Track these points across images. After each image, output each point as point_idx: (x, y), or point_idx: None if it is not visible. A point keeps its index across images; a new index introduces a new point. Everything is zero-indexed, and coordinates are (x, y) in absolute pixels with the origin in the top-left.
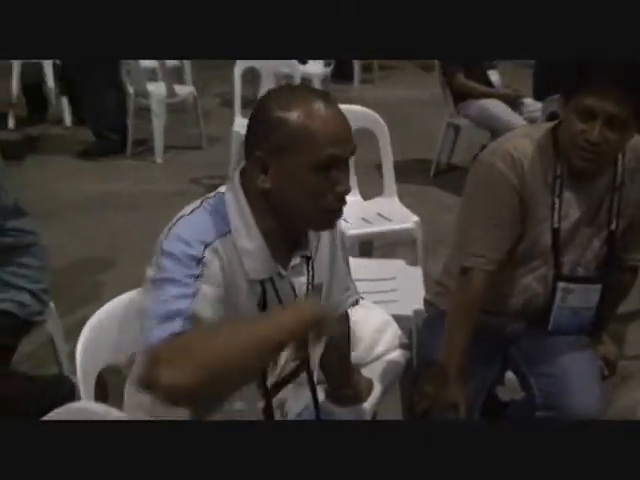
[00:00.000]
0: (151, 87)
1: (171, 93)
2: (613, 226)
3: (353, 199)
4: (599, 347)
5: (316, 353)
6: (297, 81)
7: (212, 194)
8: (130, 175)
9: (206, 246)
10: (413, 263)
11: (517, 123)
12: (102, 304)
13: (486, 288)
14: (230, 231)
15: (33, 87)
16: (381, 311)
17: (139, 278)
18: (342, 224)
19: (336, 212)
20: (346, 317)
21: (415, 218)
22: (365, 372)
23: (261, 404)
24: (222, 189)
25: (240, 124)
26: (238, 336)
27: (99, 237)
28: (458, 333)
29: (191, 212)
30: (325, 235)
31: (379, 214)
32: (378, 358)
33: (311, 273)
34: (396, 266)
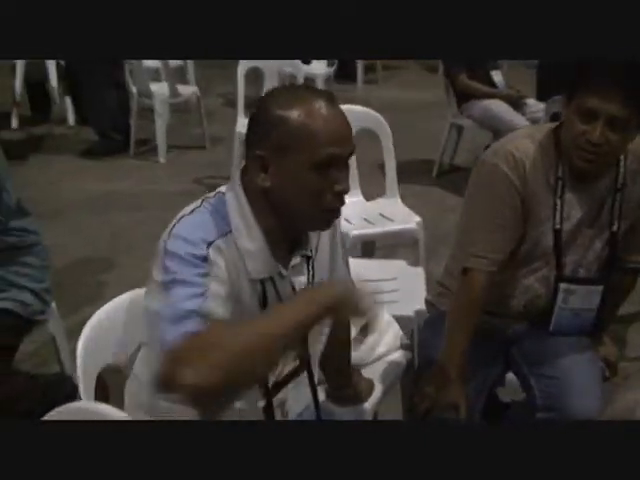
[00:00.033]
0: (154, 87)
1: (174, 93)
2: (615, 227)
3: (355, 200)
4: (600, 348)
5: (316, 353)
6: (300, 81)
7: (212, 194)
8: (133, 175)
9: (209, 245)
10: (415, 264)
11: (520, 124)
12: (104, 303)
13: (487, 289)
14: (231, 230)
15: (36, 86)
16: (382, 311)
17: (141, 278)
18: (344, 224)
19: (335, 211)
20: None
21: (417, 219)
22: (366, 372)
23: (261, 403)
24: (222, 189)
25: (243, 124)
26: (260, 326)
27: (102, 237)
28: (459, 334)
29: (192, 212)
30: (325, 235)
31: (381, 215)
32: (379, 359)
33: (311, 272)
34: (397, 267)
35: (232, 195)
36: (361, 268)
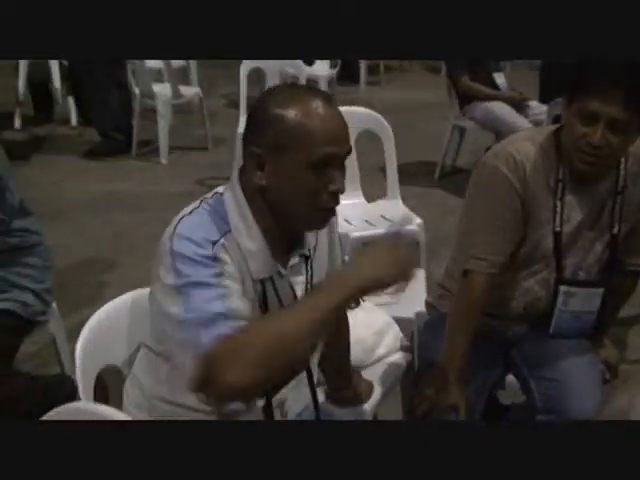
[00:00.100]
0: (157, 88)
1: (177, 94)
2: (615, 230)
3: (356, 201)
4: (600, 351)
5: (315, 353)
6: (302, 82)
7: (210, 194)
8: (135, 176)
9: (214, 244)
10: (415, 265)
11: (522, 126)
12: (106, 304)
13: (488, 291)
14: (230, 230)
15: (39, 86)
16: (382, 313)
17: (143, 278)
18: (345, 226)
19: (330, 211)
20: (345, 319)
21: (418, 220)
22: (366, 374)
23: (261, 403)
24: (220, 189)
25: None
26: (294, 317)
27: (104, 237)
28: (459, 336)
29: (191, 212)
30: (323, 235)
31: (382, 216)
32: (379, 360)
33: (310, 273)
34: None
35: (230, 195)
36: None
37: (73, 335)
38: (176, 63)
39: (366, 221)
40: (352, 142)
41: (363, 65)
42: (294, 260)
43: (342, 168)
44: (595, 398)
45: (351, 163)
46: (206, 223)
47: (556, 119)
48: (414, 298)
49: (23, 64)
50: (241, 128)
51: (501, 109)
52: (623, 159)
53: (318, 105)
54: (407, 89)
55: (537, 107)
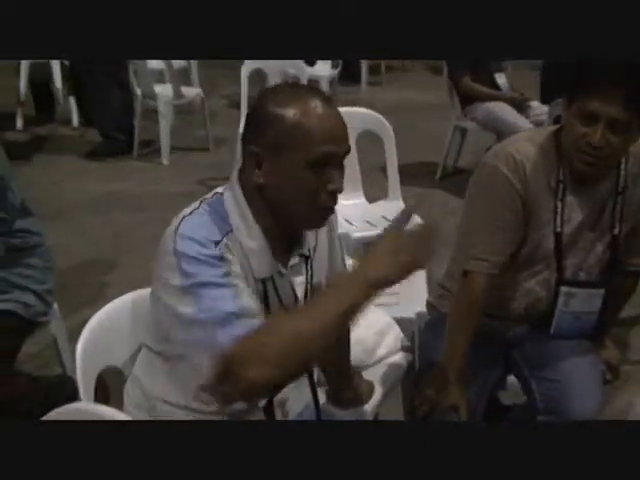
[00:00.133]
0: (158, 88)
1: (178, 94)
2: (616, 230)
3: (357, 202)
4: (601, 352)
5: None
6: (304, 82)
7: (209, 195)
8: (136, 176)
9: (217, 244)
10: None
11: (523, 126)
12: (107, 304)
13: (488, 291)
14: (232, 230)
15: (41, 86)
16: (383, 313)
17: (144, 278)
18: (346, 226)
19: (328, 210)
20: None
21: (419, 221)
22: (366, 375)
23: (262, 403)
24: (219, 189)
25: None
26: (312, 315)
27: (104, 237)
28: (459, 336)
29: (191, 213)
30: (323, 235)
31: (383, 217)
32: (380, 361)
33: (310, 273)
34: None
35: (230, 194)
36: None
37: (74, 336)
38: (177, 64)
39: (367, 222)
40: (353, 142)
41: (364, 65)
42: (294, 260)
43: (341, 167)
44: (596, 399)
45: (352, 163)
46: (207, 223)
47: (557, 119)
48: (415, 298)
49: (24, 64)
50: (242, 129)
51: (502, 110)
52: (623, 159)
53: (317, 104)
54: (408, 89)
55: (538, 107)
